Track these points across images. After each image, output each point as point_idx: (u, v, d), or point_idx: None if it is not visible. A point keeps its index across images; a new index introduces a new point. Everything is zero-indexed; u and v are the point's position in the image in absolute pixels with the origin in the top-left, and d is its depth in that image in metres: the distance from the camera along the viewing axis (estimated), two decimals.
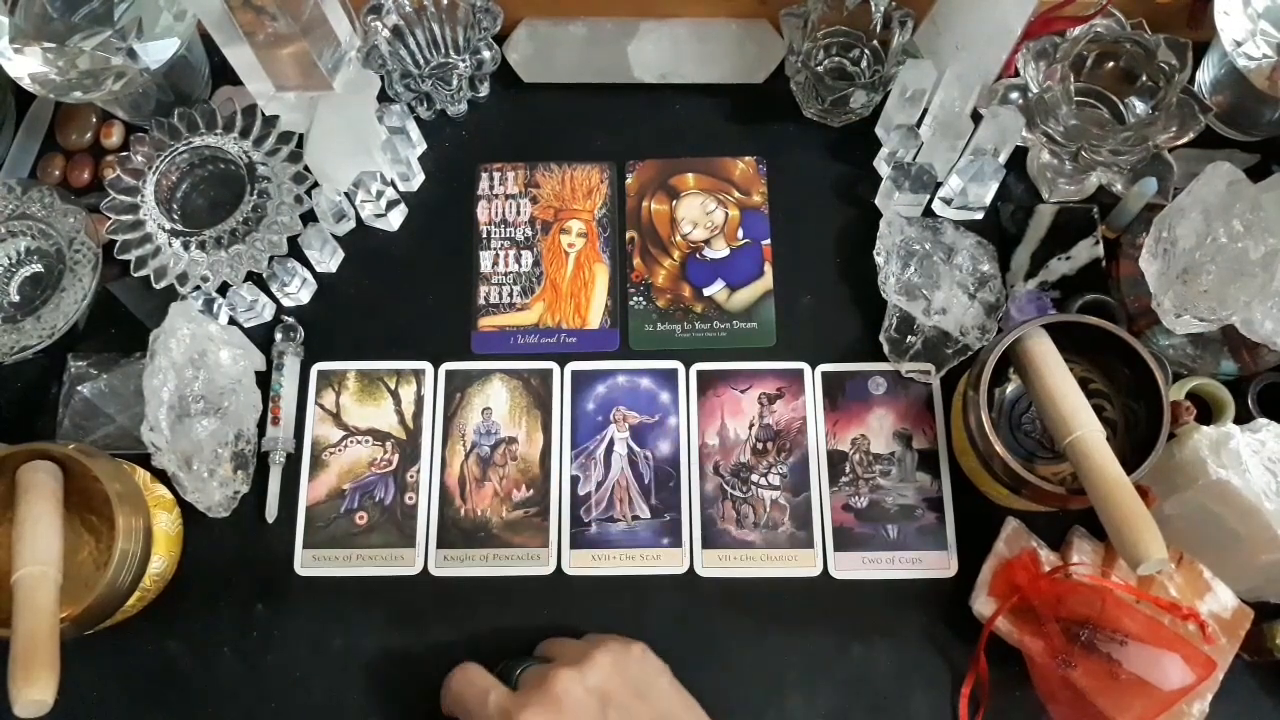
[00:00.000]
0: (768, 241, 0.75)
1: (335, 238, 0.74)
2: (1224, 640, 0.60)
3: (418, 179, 0.77)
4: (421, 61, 0.78)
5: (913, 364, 0.70)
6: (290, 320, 0.72)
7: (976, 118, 0.71)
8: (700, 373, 0.71)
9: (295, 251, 0.73)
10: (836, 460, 0.69)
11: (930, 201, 0.74)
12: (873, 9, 0.73)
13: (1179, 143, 0.70)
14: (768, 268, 0.74)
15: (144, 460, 0.64)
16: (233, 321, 0.72)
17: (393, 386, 0.71)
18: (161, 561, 0.63)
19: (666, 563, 0.67)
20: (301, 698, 0.64)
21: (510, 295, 0.74)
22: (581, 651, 0.55)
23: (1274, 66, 0.69)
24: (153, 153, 0.73)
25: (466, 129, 0.79)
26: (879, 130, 0.77)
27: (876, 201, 0.75)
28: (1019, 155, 0.74)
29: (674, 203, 0.76)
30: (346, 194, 0.73)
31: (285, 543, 0.67)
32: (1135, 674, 0.57)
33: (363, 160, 0.72)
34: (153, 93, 0.75)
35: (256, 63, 0.73)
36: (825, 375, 0.71)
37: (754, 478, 0.68)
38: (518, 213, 0.76)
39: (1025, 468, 0.59)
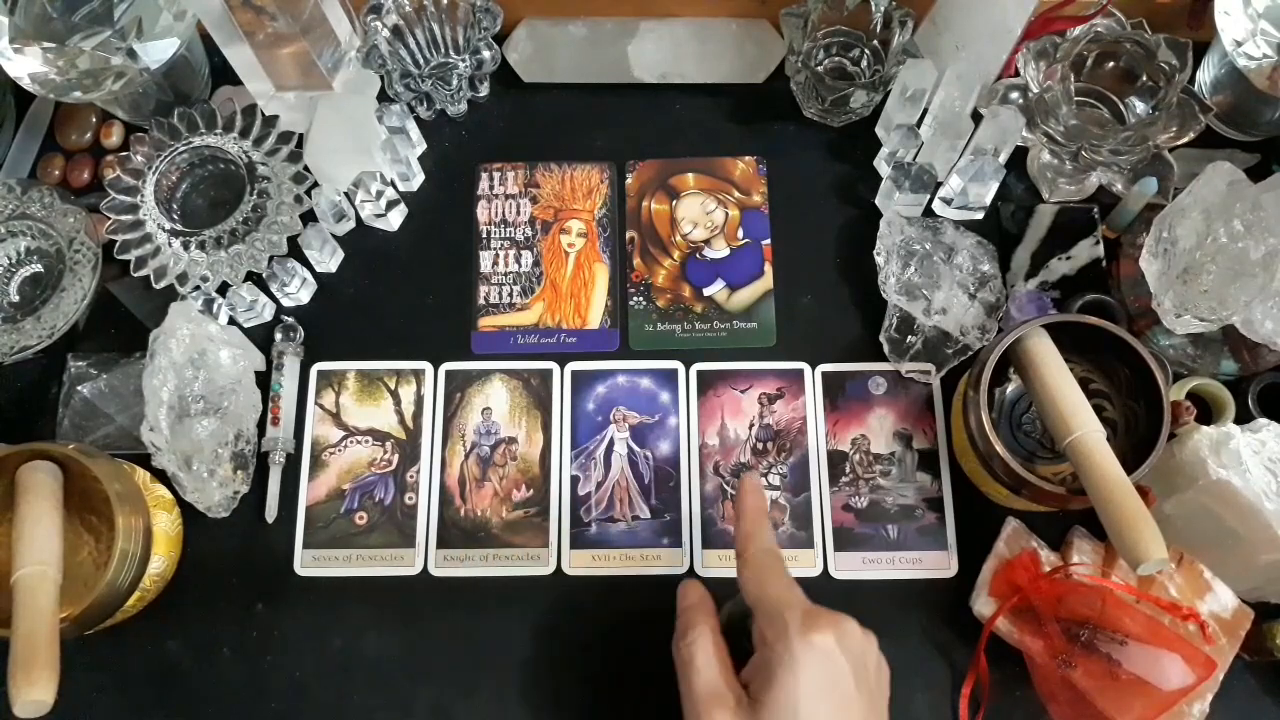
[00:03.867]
0: (768, 241, 0.75)
1: (335, 238, 0.74)
2: (1224, 640, 0.60)
3: (418, 179, 0.77)
4: (421, 61, 0.78)
5: (913, 364, 0.70)
6: (290, 320, 0.72)
7: (976, 118, 0.71)
8: (700, 373, 0.71)
9: (295, 251, 0.72)
10: (836, 460, 0.69)
11: (930, 201, 0.74)
12: (873, 9, 0.73)
13: (1179, 143, 0.70)
14: (768, 268, 0.74)
15: (144, 460, 0.64)
16: (233, 321, 0.72)
17: (393, 386, 0.71)
18: (161, 561, 0.63)
19: (666, 563, 0.67)
20: (301, 698, 0.64)
21: (510, 295, 0.74)
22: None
23: (1274, 66, 0.69)
24: (153, 153, 0.73)
25: (466, 129, 0.79)
26: (879, 130, 0.77)
27: (876, 201, 0.75)
28: (1019, 155, 0.74)
29: (674, 203, 0.76)
30: (346, 194, 0.73)
31: (285, 543, 0.67)
32: (1135, 674, 0.57)
33: (363, 160, 0.72)
34: (153, 93, 0.75)
35: (256, 63, 0.73)
36: (825, 375, 0.71)
37: None
38: (518, 213, 0.76)
39: (1025, 468, 0.59)
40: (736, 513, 0.54)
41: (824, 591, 0.65)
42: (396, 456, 0.69)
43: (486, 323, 0.73)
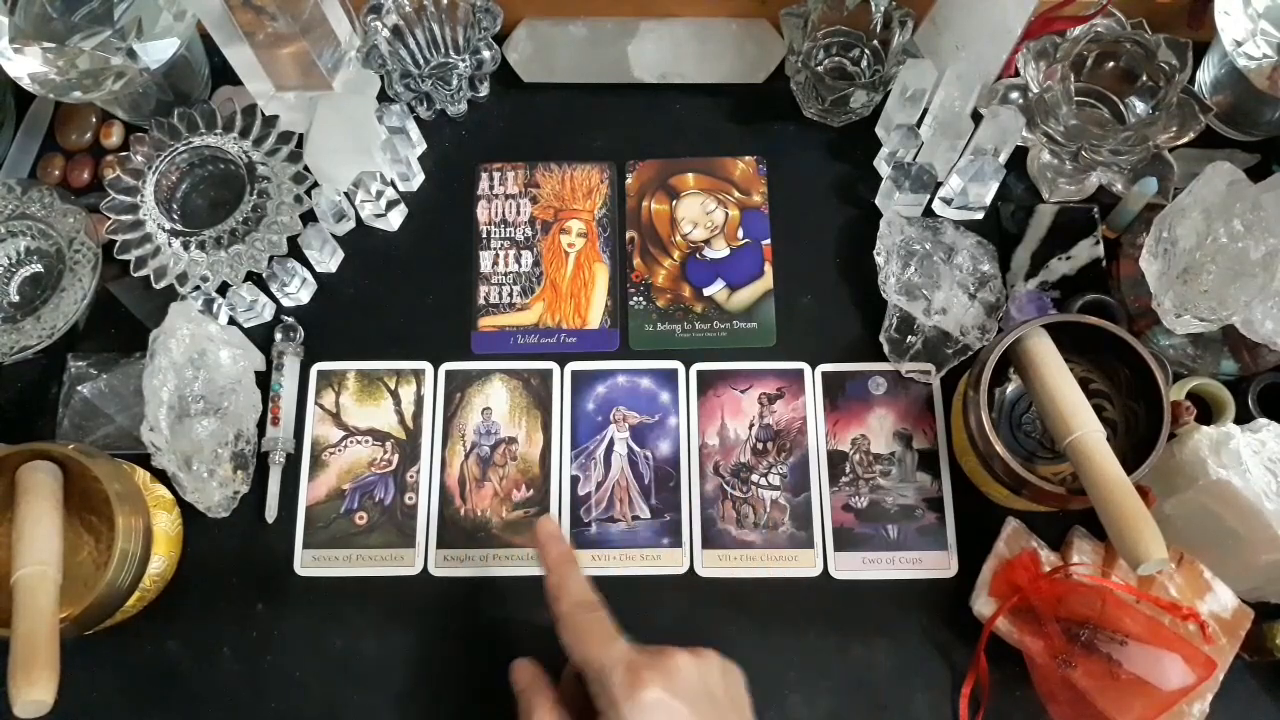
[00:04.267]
0: (768, 241, 0.75)
1: (335, 238, 0.74)
2: (1224, 640, 0.60)
3: (418, 179, 0.77)
4: (421, 61, 0.78)
5: (913, 364, 0.70)
6: (290, 320, 0.72)
7: (976, 118, 0.71)
8: (700, 373, 0.71)
9: (295, 251, 0.72)
10: (836, 460, 0.69)
11: (930, 201, 0.74)
12: (873, 9, 0.73)
13: (1179, 143, 0.70)
14: (768, 268, 0.74)
15: (144, 460, 0.64)
16: (233, 321, 0.72)
17: (393, 386, 0.71)
18: (161, 561, 0.63)
19: (666, 563, 0.67)
20: (301, 698, 0.64)
21: (510, 295, 0.74)
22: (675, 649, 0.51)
23: (1274, 66, 0.69)
24: (153, 153, 0.73)
25: (466, 129, 0.79)
26: (879, 130, 0.77)
27: (876, 201, 0.75)
28: (1019, 155, 0.74)
29: (674, 203, 0.76)
30: (346, 194, 0.73)
31: (285, 543, 0.67)
32: (1135, 674, 0.57)
33: (363, 160, 0.72)
34: (153, 93, 0.75)
35: (256, 63, 0.73)
36: (825, 375, 0.71)
37: (754, 478, 0.68)
38: (518, 213, 0.76)
39: (1025, 468, 0.59)
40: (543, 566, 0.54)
41: (824, 591, 0.66)
42: (396, 456, 0.69)
43: (486, 323, 0.73)
